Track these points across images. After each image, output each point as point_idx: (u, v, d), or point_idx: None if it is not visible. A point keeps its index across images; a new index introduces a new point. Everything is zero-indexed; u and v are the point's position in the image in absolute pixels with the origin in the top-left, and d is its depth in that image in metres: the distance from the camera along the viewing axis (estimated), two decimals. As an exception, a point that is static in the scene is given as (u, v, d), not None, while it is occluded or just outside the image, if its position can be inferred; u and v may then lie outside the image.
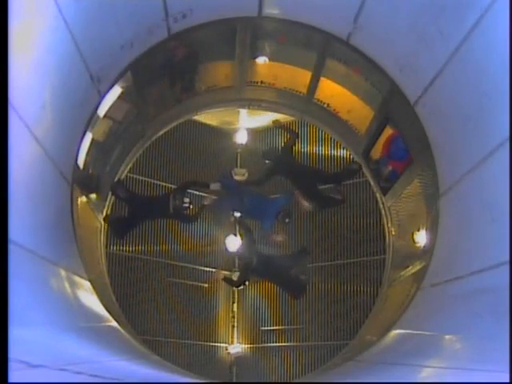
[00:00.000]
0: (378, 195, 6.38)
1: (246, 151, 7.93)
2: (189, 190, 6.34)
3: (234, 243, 6.98)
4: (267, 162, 6.45)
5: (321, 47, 5.35)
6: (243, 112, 7.37)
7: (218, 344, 7.33)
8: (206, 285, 7.33)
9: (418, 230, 5.16)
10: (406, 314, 4.48)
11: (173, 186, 7.13)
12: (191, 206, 6.04)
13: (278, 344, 7.18)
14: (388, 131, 5.62)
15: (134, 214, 6.01)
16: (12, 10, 2.25)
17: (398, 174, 5.65)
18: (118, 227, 6.06)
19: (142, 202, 6.14)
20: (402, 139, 5.34)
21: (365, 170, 6.52)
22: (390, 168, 5.77)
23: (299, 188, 6.47)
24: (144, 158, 6.93)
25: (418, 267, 4.85)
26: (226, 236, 7.06)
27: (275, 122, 7.04)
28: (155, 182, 7.19)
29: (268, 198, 6.60)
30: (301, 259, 6.29)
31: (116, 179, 6.21)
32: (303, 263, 6.31)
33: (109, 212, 6.11)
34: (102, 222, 5.98)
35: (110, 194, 6.10)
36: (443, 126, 4.13)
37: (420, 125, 4.47)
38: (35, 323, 2.48)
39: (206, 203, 6.71)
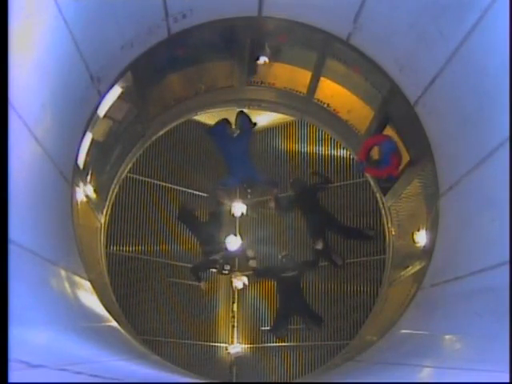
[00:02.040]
0: (378, 195, 6.39)
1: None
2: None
3: (234, 243, 6.98)
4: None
5: (321, 47, 5.35)
6: (243, 112, 7.36)
7: (218, 344, 7.32)
8: (206, 285, 7.32)
9: (418, 230, 5.16)
10: (406, 313, 4.48)
11: (172, 186, 7.14)
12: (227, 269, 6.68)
13: (278, 344, 7.17)
14: (387, 131, 5.63)
15: (201, 224, 6.91)
16: (12, 10, 2.25)
17: (397, 174, 5.65)
18: (185, 214, 6.93)
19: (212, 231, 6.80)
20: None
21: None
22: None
23: (310, 226, 6.80)
24: (144, 158, 6.93)
25: (418, 267, 4.86)
26: (226, 236, 7.06)
27: (313, 173, 7.17)
28: (155, 182, 7.19)
29: (254, 168, 6.91)
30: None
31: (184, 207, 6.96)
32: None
33: (109, 212, 6.13)
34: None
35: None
36: (443, 126, 4.13)
37: (420, 125, 4.47)
38: (35, 323, 2.48)
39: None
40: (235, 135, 6.88)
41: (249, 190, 6.35)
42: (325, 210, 6.84)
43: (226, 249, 6.67)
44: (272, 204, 6.88)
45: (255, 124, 6.98)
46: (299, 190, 6.80)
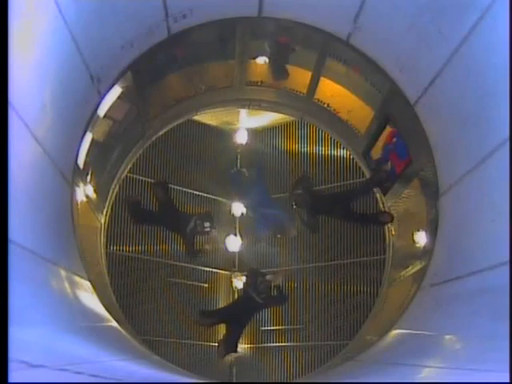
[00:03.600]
0: (378, 195, 6.39)
1: (245, 151, 7.92)
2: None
3: (234, 243, 6.98)
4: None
5: (321, 47, 5.35)
6: (243, 112, 7.36)
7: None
8: (206, 285, 7.33)
9: (418, 230, 5.17)
10: (405, 313, 4.48)
11: (173, 186, 7.13)
12: (210, 232, 6.23)
13: (277, 344, 7.18)
14: (388, 131, 5.63)
15: (160, 216, 6.28)
16: (12, 10, 2.25)
17: (397, 174, 5.65)
18: (135, 214, 6.33)
19: (170, 209, 6.31)
20: (402, 139, 5.35)
21: (365, 170, 6.52)
22: (390, 165, 5.77)
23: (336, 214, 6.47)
24: (144, 158, 6.93)
25: (418, 267, 4.86)
26: (226, 236, 7.06)
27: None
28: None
29: (275, 206, 6.62)
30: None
31: (158, 180, 6.57)
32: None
33: (109, 212, 6.12)
34: (125, 203, 6.36)
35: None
36: (443, 126, 4.13)
37: (420, 125, 4.47)
38: (35, 323, 2.48)
39: (207, 247, 6.86)
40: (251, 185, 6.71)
41: (279, 236, 6.24)
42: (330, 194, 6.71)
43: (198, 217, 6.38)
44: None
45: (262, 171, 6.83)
46: (306, 187, 6.50)
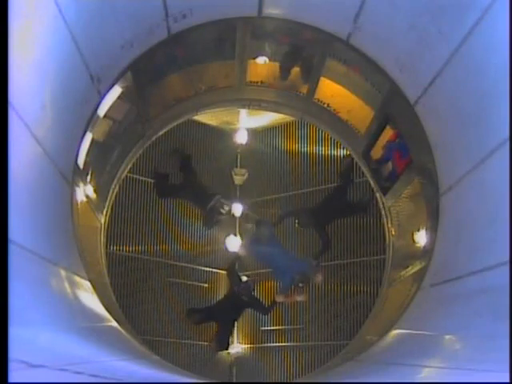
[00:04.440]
0: (378, 195, 6.39)
1: (246, 151, 7.93)
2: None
3: (234, 243, 6.98)
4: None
5: (321, 47, 5.35)
6: (243, 112, 7.37)
7: (218, 344, 7.32)
8: (206, 285, 7.33)
9: (418, 230, 5.16)
10: (406, 313, 4.48)
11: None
12: (224, 215, 6.36)
13: (277, 344, 7.18)
14: (389, 131, 5.62)
15: (183, 188, 6.43)
16: (12, 10, 2.25)
17: (397, 173, 5.65)
18: (162, 188, 6.54)
19: (195, 185, 6.46)
20: (402, 139, 5.35)
21: (364, 169, 6.52)
22: (391, 165, 5.77)
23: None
24: (144, 158, 6.93)
25: (418, 267, 4.85)
26: (225, 236, 7.06)
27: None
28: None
29: (292, 257, 6.53)
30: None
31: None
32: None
33: (109, 212, 6.12)
34: (152, 177, 6.57)
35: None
36: (443, 126, 4.13)
37: (420, 125, 4.47)
38: (35, 323, 2.48)
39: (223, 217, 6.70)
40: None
41: (301, 285, 6.21)
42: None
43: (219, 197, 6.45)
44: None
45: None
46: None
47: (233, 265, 6.54)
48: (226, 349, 6.51)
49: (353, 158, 6.48)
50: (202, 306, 6.93)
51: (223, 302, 6.57)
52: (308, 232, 7.18)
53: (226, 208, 6.21)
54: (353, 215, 6.73)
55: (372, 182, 6.51)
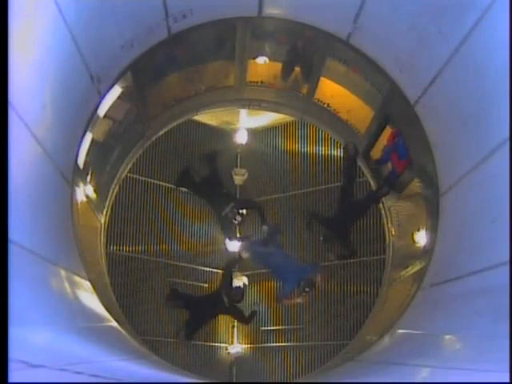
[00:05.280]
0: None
1: (246, 151, 7.93)
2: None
3: (234, 243, 6.97)
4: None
5: (321, 47, 5.35)
6: (243, 112, 7.36)
7: (218, 344, 7.33)
8: (206, 285, 7.33)
9: (418, 230, 5.16)
10: (406, 313, 4.48)
11: (173, 186, 7.12)
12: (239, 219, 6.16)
13: (277, 344, 7.18)
14: (388, 131, 5.62)
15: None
16: (12, 10, 2.25)
17: (397, 173, 5.66)
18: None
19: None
20: (402, 139, 5.35)
21: (365, 169, 6.52)
22: (391, 165, 5.76)
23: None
24: (144, 158, 6.93)
25: (418, 267, 4.86)
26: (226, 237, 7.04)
27: None
28: (155, 181, 7.19)
29: (295, 263, 6.50)
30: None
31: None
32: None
33: (109, 212, 6.13)
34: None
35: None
36: (443, 126, 4.13)
37: (420, 125, 4.47)
38: (35, 323, 2.48)
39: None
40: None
41: (307, 289, 6.21)
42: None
43: (233, 198, 6.44)
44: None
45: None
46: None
47: (230, 266, 6.50)
48: (189, 339, 6.39)
49: (355, 144, 6.17)
50: (184, 292, 6.83)
51: (205, 299, 6.51)
52: (308, 232, 7.18)
53: (239, 219, 6.14)
54: (367, 211, 6.47)
55: (372, 182, 6.52)
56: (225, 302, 6.07)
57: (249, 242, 6.56)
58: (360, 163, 6.55)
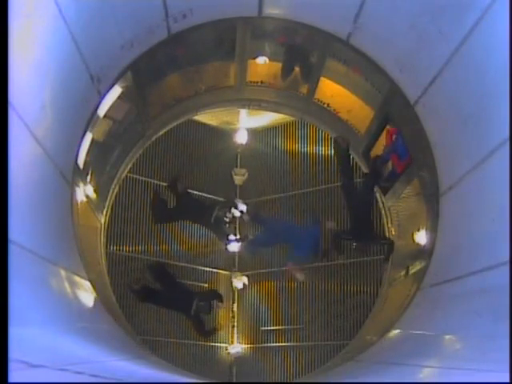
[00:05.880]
0: (378, 195, 6.39)
1: (246, 151, 7.93)
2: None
3: (234, 243, 6.98)
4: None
5: (321, 47, 5.35)
6: (243, 112, 7.37)
7: (218, 344, 7.33)
8: (206, 285, 7.33)
9: (418, 230, 5.16)
10: (405, 313, 4.48)
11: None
12: (229, 224, 6.30)
13: (277, 344, 7.18)
14: (386, 130, 5.62)
15: (180, 210, 6.26)
16: (12, 10, 2.25)
17: (397, 173, 5.65)
18: (160, 214, 6.33)
19: (192, 203, 6.33)
20: (402, 139, 5.35)
21: (365, 169, 6.52)
22: (390, 165, 5.76)
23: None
24: (144, 158, 6.93)
25: (418, 267, 4.85)
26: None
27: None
28: (155, 181, 7.19)
29: (298, 226, 6.59)
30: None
31: (175, 176, 6.56)
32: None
33: (109, 212, 6.12)
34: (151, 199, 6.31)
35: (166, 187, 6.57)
36: (443, 126, 4.13)
37: (420, 125, 4.47)
38: (35, 323, 2.48)
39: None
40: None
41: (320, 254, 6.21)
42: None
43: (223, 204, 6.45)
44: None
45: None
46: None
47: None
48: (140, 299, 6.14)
49: (347, 140, 6.12)
50: (162, 269, 6.54)
51: (175, 292, 6.20)
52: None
53: (229, 215, 6.14)
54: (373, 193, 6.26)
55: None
56: (212, 217, 6.06)
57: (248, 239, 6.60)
58: (360, 163, 6.56)
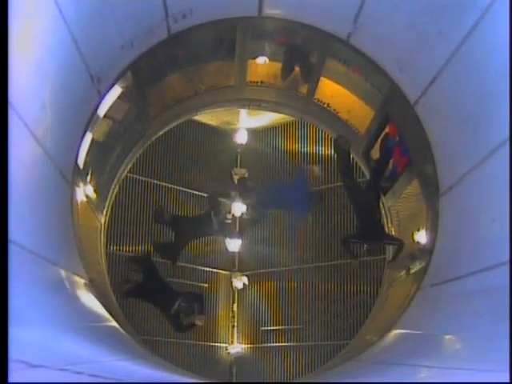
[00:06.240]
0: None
1: (246, 151, 7.93)
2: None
3: (234, 243, 6.98)
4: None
5: (321, 47, 5.35)
6: (243, 112, 7.37)
7: (218, 344, 7.33)
8: (206, 285, 7.33)
9: (418, 230, 5.16)
10: (405, 313, 4.48)
11: (172, 186, 7.14)
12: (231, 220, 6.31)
13: (277, 344, 7.18)
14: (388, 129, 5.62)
15: (181, 236, 6.22)
16: (12, 10, 2.25)
17: (398, 173, 5.65)
18: (168, 252, 6.28)
19: (186, 223, 6.34)
20: (402, 139, 5.35)
21: (365, 169, 6.52)
22: (391, 165, 5.75)
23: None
24: (144, 158, 6.94)
25: (418, 267, 4.85)
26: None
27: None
28: (155, 181, 7.20)
29: (285, 185, 6.68)
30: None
31: (156, 207, 6.56)
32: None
33: (109, 212, 6.12)
34: (151, 248, 6.27)
35: (152, 221, 6.54)
36: (443, 126, 4.13)
37: (420, 125, 4.47)
38: (35, 323, 2.48)
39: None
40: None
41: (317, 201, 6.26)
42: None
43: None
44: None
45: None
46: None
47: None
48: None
49: (347, 140, 6.10)
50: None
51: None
52: (307, 229, 7.20)
53: (230, 217, 6.19)
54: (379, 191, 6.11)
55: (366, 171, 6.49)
56: (213, 223, 6.07)
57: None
58: (360, 163, 6.55)
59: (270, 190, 6.61)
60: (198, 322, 5.89)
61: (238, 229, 7.40)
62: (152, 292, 5.85)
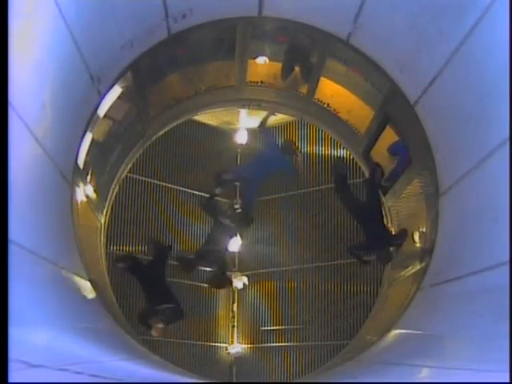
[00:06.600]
0: (377, 195, 6.37)
1: (246, 151, 7.93)
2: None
3: (234, 243, 6.97)
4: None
5: (321, 47, 5.35)
6: (243, 112, 7.37)
7: (218, 344, 7.33)
8: (206, 285, 7.33)
9: (418, 230, 5.16)
10: (406, 313, 4.48)
11: (172, 186, 7.13)
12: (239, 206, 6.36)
13: (277, 344, 7.18)
14: (388, 131, 5.62)
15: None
16: (12, 10, 2.25)
17: (398, 173, 5.65)
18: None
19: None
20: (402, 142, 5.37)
21: (365, 169, 6.52)
22: (391, 166, 5.77)
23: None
24: (144, 158, 6.93)
25: (418, 267, 4.85)
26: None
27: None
28: (155, 181, 7.19)
29: (261, 156, 6.71)
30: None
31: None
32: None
33: (109, 212, 6.13)
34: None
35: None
36: (443, 126, 4.13)
37: (420, 125, 4.47)
38: (35, 323, 2.48)
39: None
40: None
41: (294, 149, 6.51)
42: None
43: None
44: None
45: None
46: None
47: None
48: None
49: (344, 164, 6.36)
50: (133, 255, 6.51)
51: (153, 264, 6.17)
52: (307, 229, 7.20)
53: (237, 206, 6.23)
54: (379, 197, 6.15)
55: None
56: (226, 225, 6.18)
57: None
58: (360, 163, 6.56)
59: (249, 167, 6.68)
60: (154, 332, 5.87)
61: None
62: (148, 278, 5.89)
